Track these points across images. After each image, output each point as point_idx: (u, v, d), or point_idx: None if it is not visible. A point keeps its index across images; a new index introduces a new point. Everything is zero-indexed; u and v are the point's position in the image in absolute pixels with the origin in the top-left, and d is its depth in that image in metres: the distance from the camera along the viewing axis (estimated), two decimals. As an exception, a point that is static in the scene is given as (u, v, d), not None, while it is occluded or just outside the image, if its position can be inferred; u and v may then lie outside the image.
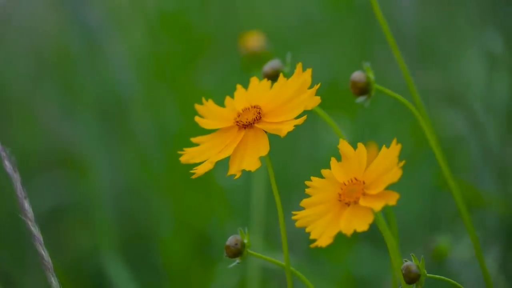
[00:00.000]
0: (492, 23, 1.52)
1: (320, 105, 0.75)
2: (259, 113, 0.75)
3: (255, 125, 0.75)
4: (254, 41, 1.28)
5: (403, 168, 0.69)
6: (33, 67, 2.13)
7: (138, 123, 1.67)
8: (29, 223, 0.79)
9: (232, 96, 0.80)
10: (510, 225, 1.33)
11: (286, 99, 0.75)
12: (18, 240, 1.64)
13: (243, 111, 0.76)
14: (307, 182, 0.74)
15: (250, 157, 0.73)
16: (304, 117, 0.72)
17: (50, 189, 1.71)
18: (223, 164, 0.77)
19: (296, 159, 1.76)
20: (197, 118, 0.79)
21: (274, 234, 1.47)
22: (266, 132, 0.75)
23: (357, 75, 0.77)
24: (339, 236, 0.69)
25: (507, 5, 1.59)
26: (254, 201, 1.29)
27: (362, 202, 0.69)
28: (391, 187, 0.70)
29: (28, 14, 2.28)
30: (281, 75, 0.78)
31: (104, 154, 1.65)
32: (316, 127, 1.58)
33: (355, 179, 0.71)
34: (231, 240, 0.76)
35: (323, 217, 0.71)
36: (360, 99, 0.78)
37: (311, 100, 0.74)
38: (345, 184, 0.71)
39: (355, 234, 0.69)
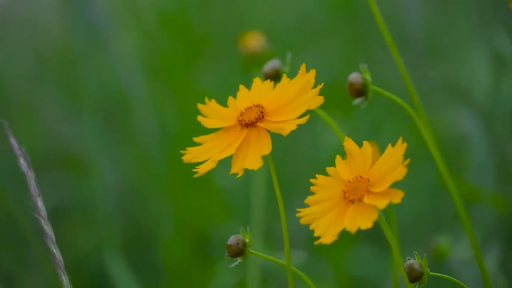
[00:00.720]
0: (498, 23, 1.52)
1: (320, 105, 0.75)
2: (261, 112, 0.76)
3: (258, 124, 0.75)
4: (254, 41, 1.28)
5: (405, 167, 0.70)
6: (34, 67, 2.13)
7: (139, 123, 1.67)
8: (42, 221, 0.79)
9: (233, 96, 0.80)
10: (510, 225, 1.33)
11: (289, 98, 0.76)
12: (18, 239, 1.64)
13: (245, 110, 0.76)
14: (311, 180, 0.74)
15: (253, 156, 0.73)
16: (307, 116, 0.73)
17: (52, 189, 1.71)
18: (223, 164, 0.77)
19: (296, 159, 1.76)
20: (199, 118, 0.79)
21: (274, 234, 1.47)
22: (268, 131, 0.75)
23: (354, 77, 0.77)
24: (340, 236, 0.69)
25: (506, 4, 1.59)
26: (254, 201, 1.29)
27: (366, 199, 0.70)
28: (393, 186, 0.70)
29: (29, 13, 2.28)
30: (284, 75, 0.78)
31: (105, 154, 1.65)
32: (316, 127, 1.58)
33: (360, 176, 0.72)
34: (232, 239, 0.76)
35: (327, 214, 0.71)
36: (357, 100, 0.78)
37: (314, 100, 0.74)
38: (349, 182, 0.72)
39: (356, 233, 0.69)
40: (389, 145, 0.72)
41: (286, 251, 0.76)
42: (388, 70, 1.77)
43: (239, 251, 0.76)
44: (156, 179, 1.62)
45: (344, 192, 0.71)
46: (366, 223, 0.68)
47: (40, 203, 0.81)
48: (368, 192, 0.70)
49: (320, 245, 0.70)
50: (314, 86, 0.75)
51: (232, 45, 1.47)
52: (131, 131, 1.75)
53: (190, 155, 0.77)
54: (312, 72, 0.76)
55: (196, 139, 0.78)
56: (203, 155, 0.76)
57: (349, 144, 0.74)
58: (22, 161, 0.81)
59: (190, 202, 1.62)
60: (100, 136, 1.65)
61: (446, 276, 0.77)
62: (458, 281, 0.77)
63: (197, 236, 1.59)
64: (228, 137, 0.76)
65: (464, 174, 1.52)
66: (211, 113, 0.79)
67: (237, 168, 0.74)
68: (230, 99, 0.80)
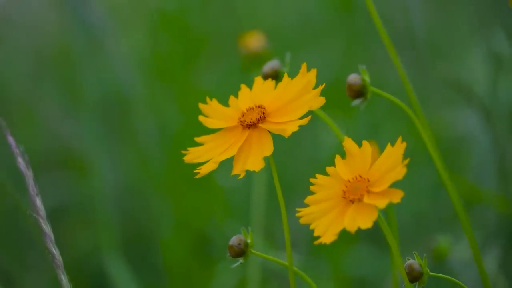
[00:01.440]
0: (497, 22, 1.52)
1: (321, 106, 0.75)
2: (263, 113, 0.75)
3: (259, 125, 0.75)
4: (254, 41, 1.28)
5: (404, 167, 0.70)
6: (34, 67, 2.13)
7: (139, 122, 1.67)
8: (41, 220, 0.79)
9: (232, 96, 0.80)
10: (510, 225, 1.33)
11: (290, 99, 0.76)
12: (18, 238, 1.64)
13: (247, 111, 0.76)
14: (311, 180, 0.74)
15: (254, 157, 0.73)
16: (309, 117, 0.73)
17: (51, 189, 1.71)
18: (223, 164, 0.77)
19: (296, 160, 1.76)
20: (201, 117, 0.79)
21: (274, 234, 1.47)
22: (270, 132, 0.75)
23: (353, 78, 0.77)
24: (340, 236, 0.70)
25: (506, 4, 1.59)
26: (254, 202, 1.29)
27: (366, 199, 0.70)
28: (393, 186, 0.70)
29: (29, 13, 2.28)
30: (285, 75, 0.78)
31: (105, 154, 1.65)
32: (316, 127, 1.58)
33: (360, 176, 0.72)
34: (234, 240, 0.76)
35: (328, 214, 0.71)
36: (356, 102, 0.78)
37: (315, 100, 0.74)
38: (349, 182, 0.72)
39: (356, 233, 0.69)
40: (389, 144, 0.72)
41: (288, 252, 0.76)
42: (388, 70, 1.77)
43: (240, 252, 0.76)
44: (156, 179, 1.62)
45: (344, 192, 0.71)
46: (366, 223, 0.68)
47: (38, 202, 0.81)
48: (368, 192, 0.70)
49: (320, 245, 0.70)
50: (315, 86, 0.75)
51: (232, 45, 1.47)
52: (131, 131, 1.75)
53: (191, 155, 0.77)
54: (313, 72, 0.76)
55: (197, 139, 0.78)
56: (205, 155, 0.76)
57: (348, 144, 0.74)
58: (20, 160, 0.81)
59: (190, 202, 1.62)
60: (99, 136, 1.65)
61: (446, 276, 0.77)
62: (458, 281, 0.77)
63: (197, 236, 1.59)
64: (230, 138, 0.76)
65: (464, 174, 1.52)
66: (213, 113, 0.79)
67: (238, 169, 0.74)
68: (232, 98, 0.80)
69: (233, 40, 1.42)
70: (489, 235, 1.33)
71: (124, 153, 1.79)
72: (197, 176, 0.74)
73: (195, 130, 0.84)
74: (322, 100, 0.74)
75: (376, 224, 0.72)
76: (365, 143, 0.74)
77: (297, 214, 0.72)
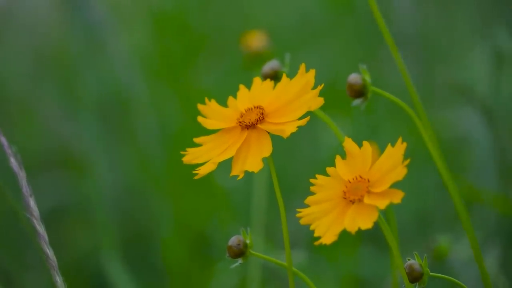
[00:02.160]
0: (498, 21, 1.52)
1: (320, 106, 0.75)
2: (262, 113, 0.75)
3: (258, 125, 0.75)
4: (255, 40, 1.28)
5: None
6: (33, 66, 2.13)
7: (139, 122, 1.67)
8: (35, 221, 0.78)
9: (232, 95, 0.80)
10: (511, 225, 1.33)
11: (289, 99, 0.75)
12: (18, 239, 1.64)
13: (246, 112, 0.76)
14: (311, 180, 0.74)
15: (253, 158, 0.73)
16: (307, 118, 0.72)
17: (51, 189, 1.71)
18: (223, 164, 0.77)
19: (295, 160, 1.76)
20: (200, 118, 0.79)
21: (274, 234, 1.47)
22: (268, 132, 0.75)
23: (353, 78, 0.77)
24: (340, 236, 0.69)
25: (507, 3, 1.59)
26: (255, 202, 1.28)
27: (366, 200, 0.70)
28: (393, 186, 0.70)
29: (28, 12, 2.27)
30: (284, 75, 0.78)
31: (105, 154, 1.65)
32: (315, 128, 1.58)
33: (360, 177, 0.72)
34: (233, 240, 0.76)
35: (328, 214, 0.71)
36: (357, 101, 0.78)
37: (314, 101, 0.74)
38: (349, 182, 0.72)
39: (358, 234, 0.69)
40: (389, 145, 0.72)
41: (287, 252, 0.76)
42: (388, 70, 1.77)
43: (240, 252, 0.76)
44: (156, 179, 1.62)
45: (344, 192, 0.71)
46: (366, 224, 0.68)
47: (32, 203, 0.80)
48: (368, 192, 0.70)
49: (320, 245, 0.69)
50: (314, 87, 0.75)
51: (232, 44, 1.47)
52: (131, 131, 1.75)
53: (190, 156, 0.77)
54: (312, 72, 0.76)
55: (196, 140, 0.78)
56: (203, 156, 0.76)
57: (349, 144, 0.74)
58: (13, 161, 0.81)
59: (190, 202, 1.62)
60: (99, 136, 1.64)
61: (446, 276, 0.77)
62: (458, 281, 0.76)
63: (197, 237, 1.59)
64: (228, 139, 0.76)
65: (465, 174, 1.52)
66: (211, 113, 0.79)
67: (237, 170, 0.73)
68: (230, 99, 0.80)
69: (233, 39, 1.42)
70: (489, 235, 1.33)
71: (124, 152, 1.79)
72: (196, 177, 0.74)
73: (195, 129, 0.83)
74: (320, 101, 0.74)
75: (376, 224, 0.71)
76: (365, 143, 0.73)
77: (298, 215, 0.72)
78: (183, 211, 1.59)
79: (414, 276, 0.75)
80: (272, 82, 0.79)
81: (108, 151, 1.70)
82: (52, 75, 2.06)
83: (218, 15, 2.00)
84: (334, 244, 0.71)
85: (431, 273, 0.75)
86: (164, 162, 1.63)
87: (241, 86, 0.79)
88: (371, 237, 1.49)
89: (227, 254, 0.76)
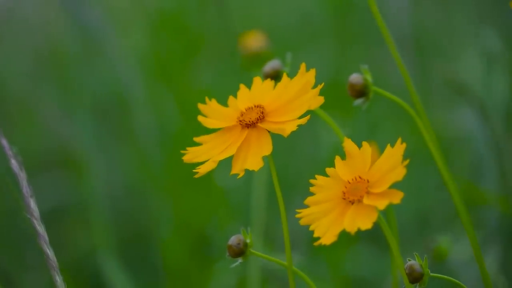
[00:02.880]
0: (490, 21, 1.52)
1: (320, 105, 0.75)
2: (262, 112, 0.75)
3: (258, 124, 0.75)
4: (254, 40, 1.28)
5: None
6: (33, 66, 2.13)
7: (138, 122, 1.67)
8: (35, 221, 0.78)
9: (232, 95, 0.80)
10: (510, 225, 1.33)
11: (289, 98, 0.76)
12: (18, 239, 1.64)
13: (246, 111, 0.76)
14: (311, 180, 0.74)
15: (253, 156, 0.73)
16: (308, 117, 0.73)
17: (50, 189, 1.71)
18: (223, 164, 0.77)
19: (296, 159, 1.76)
20: (200, 117, 0.79)
21: (274, 234, 1.47)
22: (269, 131, 0.75)
23: (355, 78, 0.77)
24: (340, 236, 0.69)
25: (504, 3, 1.59)
26: (254, 202, 1.28)
27: (366, 200, 0.70)
28: (393, 187, 0.70)
29: (28, 13, 2.27)
30: (284, 74, 0.78)
31: (104, 154, 1.65)
32: (316, 127, 1.58)
33: (360, 177, 0.71)
34: (233, 239, 0.76)
35: (327, 215, 0.71)
36: (358, 101, 0.78)
37: (314, 100, 0.74)
38: (349, 183, 0.72)
39: (357, 234, 0.69)
40: (388, 145, 0.72)
41: (287, 252, 0.76)
42: (388, 70, 1.77)
43: (240, 252, 0.76)
44: (155, 178, 1.62)
45: (344, 193, 0.71)
46: (366, 224, 0.68)
47: (32, 203, 0.80)
48: (368, 192, 0.70)
49: (320, 245, 0.69)
50: (314, 86, 0.75)
51: (231, 44, 1.47)
52: (130, 131, 1.74)
53: (190, 155, 0.77)
54: (312, 72, 0.76)
55: (196, 139, 0.78)
56: (204, 155, 0.76)
57: (348, 144, 0.74)
58: (13, 162, 0.81)
59: (189, 202, 1.62)
60: (98, 136, 1.64)
61: (446, 276, 0.77)
62: (458, 282, 0.76)
63: (196, 236, 1.59)
64: (229, 137, 0.76)
65: (465, 174, 1.52)
66: (212, 113, 0.79)
67: (237, 169, 0.74)
68: (231, 98, 0.80)
69: (232, 39, 1.42)
70: (489, 235, 1.33)
71: (123, 152, 1.79)
72: (196, 176, 0.74)
73: (195, 129, 0.83)
74: (320, 100, 0.74)
75: (376, 224, 0.71)
76: (365, 144, 0.73)
77: (297, 215, 0.72)
78: (183, 211, 1.59)
79: (415, 277, 0.75)
80: (273, 81, 0.79)
81: (108, 151, 1.70)
82: (52, 75, 2.06)
83: (216, 16, 2.00)
84: (334, 245, 0.71)
85: (431, 274, 0.75)
86: (163, 162, 1.63)
87: (242, 86, 0.80)
88: (371, 237, 1.49)
89: (227, 254, 0.76)
